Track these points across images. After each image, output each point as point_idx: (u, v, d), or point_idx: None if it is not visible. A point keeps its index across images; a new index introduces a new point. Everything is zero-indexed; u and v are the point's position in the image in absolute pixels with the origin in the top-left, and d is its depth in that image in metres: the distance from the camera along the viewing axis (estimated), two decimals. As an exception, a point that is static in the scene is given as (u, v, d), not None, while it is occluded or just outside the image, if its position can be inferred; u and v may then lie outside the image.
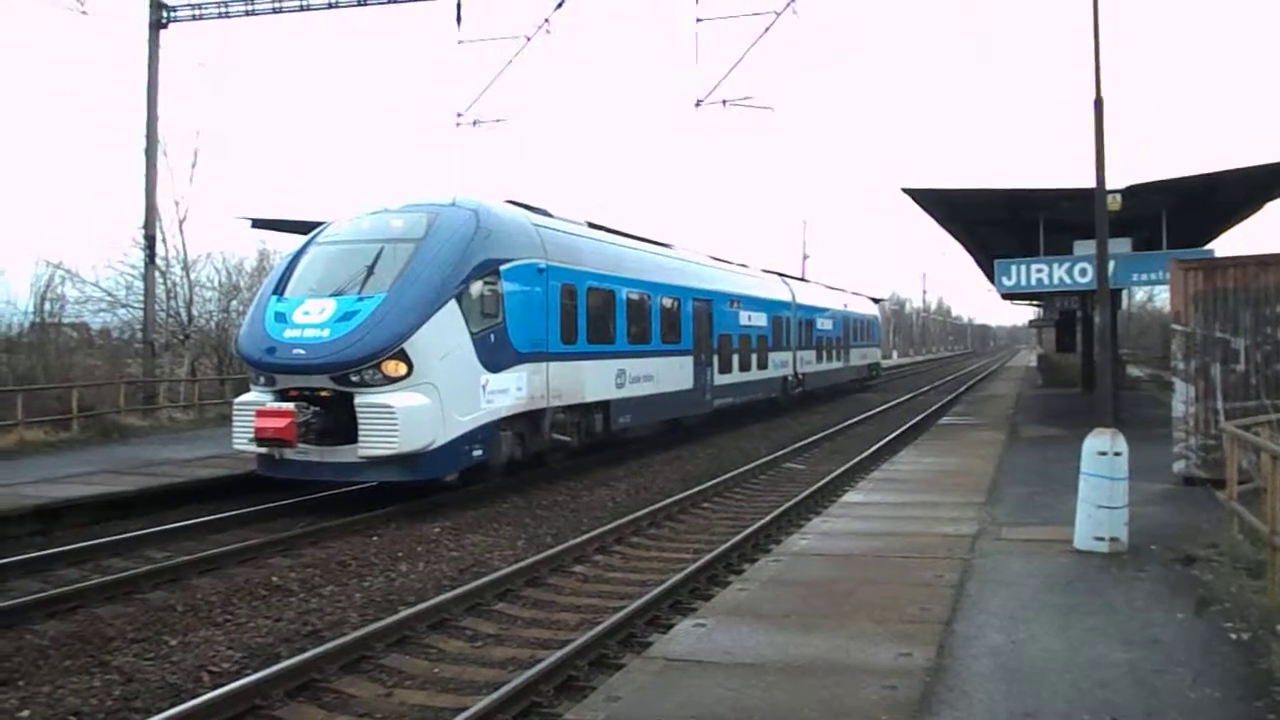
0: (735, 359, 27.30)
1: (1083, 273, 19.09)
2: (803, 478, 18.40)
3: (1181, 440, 13.34)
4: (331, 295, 14.60)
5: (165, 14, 24.92)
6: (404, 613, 9.21)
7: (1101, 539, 9.50)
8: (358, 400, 13.78)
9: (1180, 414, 13.35)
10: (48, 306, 31.69)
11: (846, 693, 5.99)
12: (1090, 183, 10.87)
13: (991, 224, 23.74)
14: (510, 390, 15.79)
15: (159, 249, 27.56)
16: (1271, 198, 20.89)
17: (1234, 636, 6.83)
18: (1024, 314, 69.57)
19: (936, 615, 7.58)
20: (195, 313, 32.58)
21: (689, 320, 23.81)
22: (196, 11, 24.77)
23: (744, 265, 31.70)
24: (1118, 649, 6.69)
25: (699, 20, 20.86)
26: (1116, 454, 9.50)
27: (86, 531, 13.28)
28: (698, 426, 25.64)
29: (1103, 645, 6.78)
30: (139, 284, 28.07)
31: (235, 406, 14.97)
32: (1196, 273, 13.40)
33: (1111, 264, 14.46)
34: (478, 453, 15.08)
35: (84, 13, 22.72)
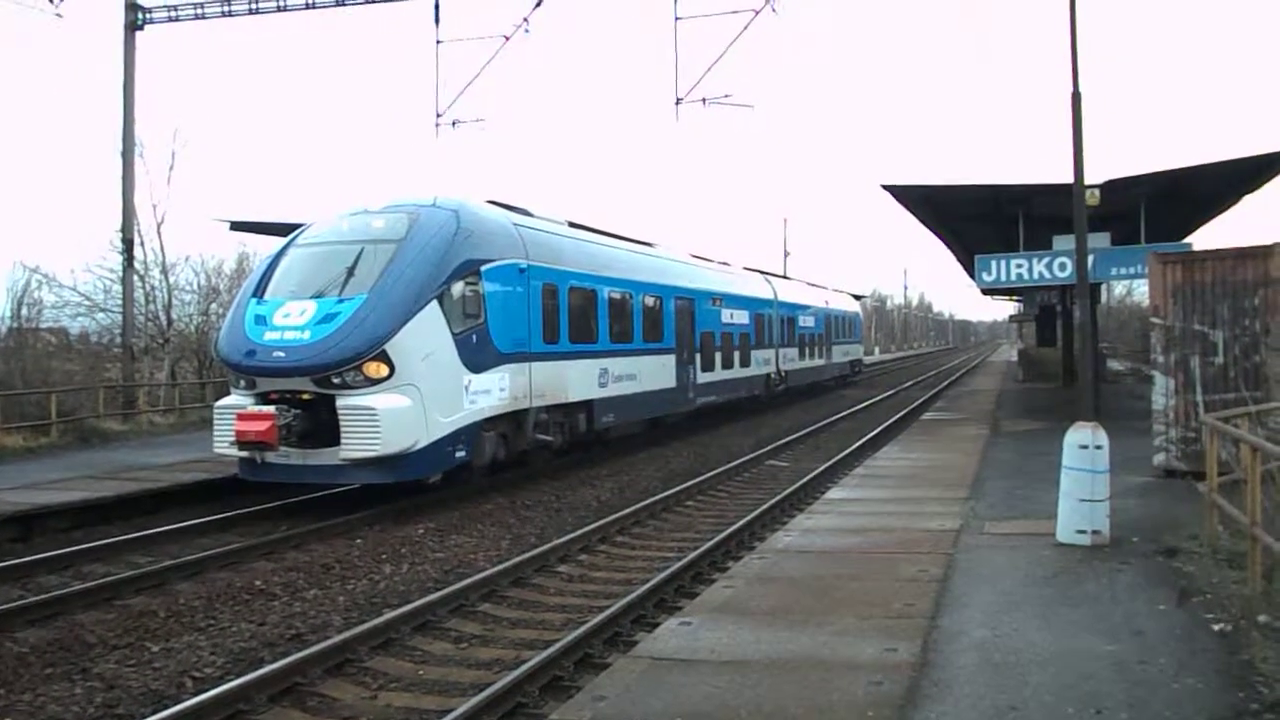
0: (718, 357, 27.32)
1: (1062, 267, 19.20)
2: (786, 475, 18.43)
3: (1161, 433, 13.42)
4: (312, 297, 14.52)
5: (141, 16, 24.71)
6: (388, 615, 9.17)
7: (1083, 532, 9.55)
8: (339, 402, 13.71)
9: (1160, 407, 13.43)
10: (25, 311, 31.45)
11: (832, 689, 5.99)
12: (1069, 178, 10.93)
13: (971, 220, 23.85)
14: (493, 390, 15.75)
15: (137, 252, 27.37)
16: (1248, 191, 21.06)
17: (1216, 627, 6.87)
18: (1004, 309, 69.81)
19: (921, 610, 7.60)
20: (174, 316, 32.40)
21: (671, 319, 23.80)
22: (173, 13, 24.57)
23: (726, 263, 31.72)
24: (1101, 641, 6.72)
25: (678, 19, 20.84)
26: (1098, 447, 9.55)
27: (66, 537, 13.15)
28: (681, 425, 25.64)
29: (1086, 638, 6.81)
30: (117, 288, 27.88)
31: (216, 410, 14.87)
32: (1175, 266, 13.49)
33: (1091, 258, 14.56)
34: (461, 453, 15.04)
35: (59, 15, 22.49)
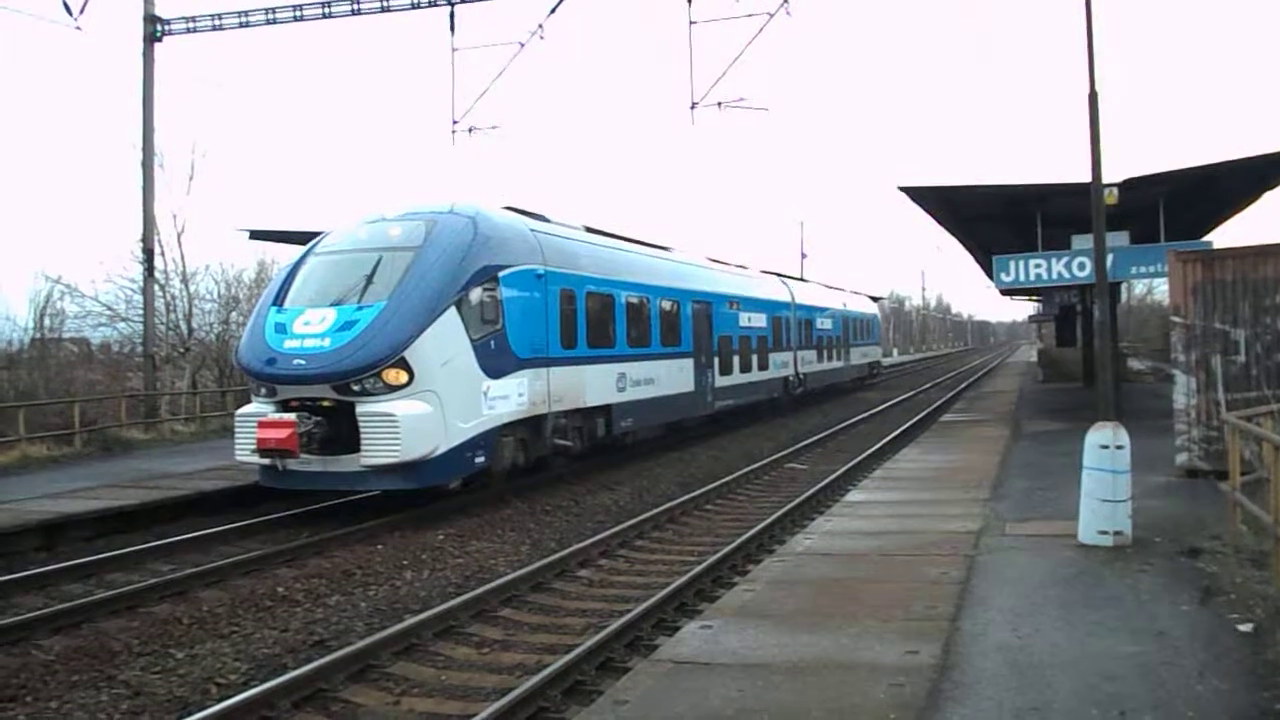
0: (736, 360, 27.30)
1: (1081, 267, 19.11)
2: (805, 478, 18.40)
3: (1183, 432, 13.34)
4: (331, 305, 14.60)
5: (159, 27, 24.92)
6: (410, 620, 9.21)
7: (1105, 533, 9.51)
8: (359, 409, 13.78)
9: (1181, 406, 13.35)
10: (47, 322, 31.75)
11: (853, 691, 5.99)
12: (1086, 176, 10.89)
13: (989, 220, 23.76)
14: (511, 396, 15.80)
15: (158, 262, 27.56)
16: (1269, 188, 20.89)
17: (1240, 627, 6.84)
18: (1023, 309, 69.51)
19: (942, 612, 7.58)
20: (195, 325, 32.62)
21: (688, 322, 23.80)
22: (190, 24, 24.78)
23: (743, 266, 31.71)
24: (1124, 642, 6.70)
25: (692, 23, 20.90)
26: (1119, 447, 9.50)
27: (90, 546, 13.26)
28: (700, 428, 25.63)
29: (1109, 639, 6.79)
30: (138, 298, 28.08)
31: (237, 418, 14.98)
32: (1195, 264, 13.41)
33: (1110, 257, 14.46)
34: (480, 459, 15.08)
35: (78, 28, 22.68)
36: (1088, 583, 8.36)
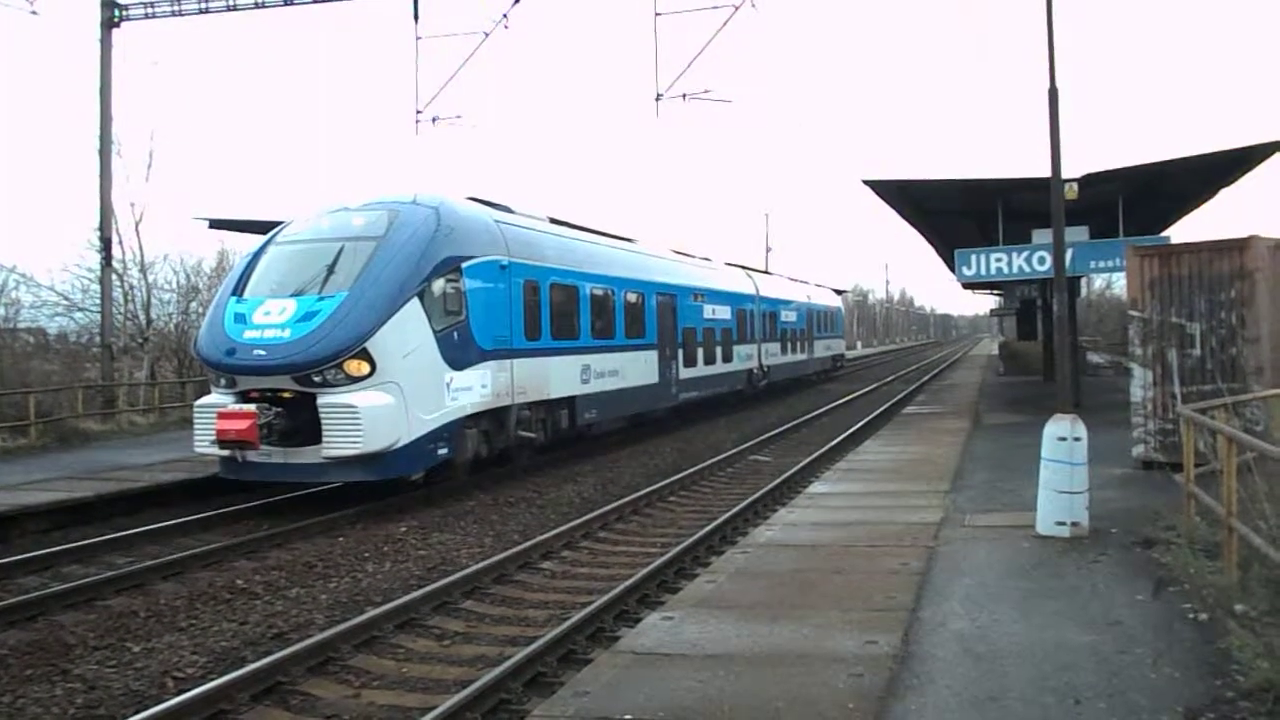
0: (700, 352, 27.36)
1: (1041, 261, 19.27)
2: (769, 470, 18.48)
3: (1140, 425, 13.51)
4: (292, 295, 14.47)
5: (117, 12, 24.54)
6: (371, 613, 9.16)
7: (1063, 524, 9.62)
8: (321, 400, 13.67)
9: (1138, 399, 13.52)
10: (2, 311, 31.31)
11: (814, 682, 6.02)
12: (1047, 171, 11.00)
13: (951, 214, 23.92)
14: (475, 388, 15.74)
15: (115, 251, 27.22)
16: (1225, 184, 21.17)
17: (1192, 617, 6.93)
18: (985, 303, 70.17)
19: (902, 603, 7.64)
20: (154, 315, 32.24)
21: (653, 315, 23.82)
22: (149, 10, 24.43)
23: (707, 259, 31.75)
24: (1080, 632, 6.78)
25: (658, 14, 20.85)
26: (1076, 439, 9.61)
27: (46, 539, 13.06)
28: (664, 421, 25.66)
29: (1065, 628, 6.86)
30: (95, 287, 27.75)
31: (196, 409, 14.80)
32: (1152, 259, 13.57)
33: (1069, 252, 14.65)
34: (443, 451, 15.02)
35: (34, 13, 22.31)
36: (1045, 573, 8.46)
